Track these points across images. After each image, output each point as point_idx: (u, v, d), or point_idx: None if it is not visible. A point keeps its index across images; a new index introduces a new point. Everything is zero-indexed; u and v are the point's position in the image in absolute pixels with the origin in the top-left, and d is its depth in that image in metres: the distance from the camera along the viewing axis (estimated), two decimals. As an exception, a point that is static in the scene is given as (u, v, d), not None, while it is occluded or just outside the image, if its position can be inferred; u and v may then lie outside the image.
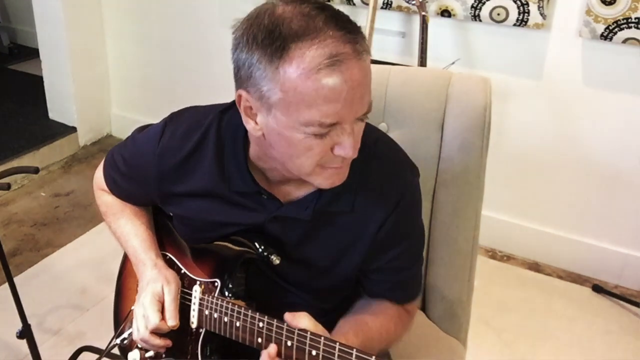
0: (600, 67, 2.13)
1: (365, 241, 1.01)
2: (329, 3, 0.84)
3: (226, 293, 1.03)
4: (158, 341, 1.03)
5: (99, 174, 1.20)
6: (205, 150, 1.01)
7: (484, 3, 2.18)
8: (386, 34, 2.41)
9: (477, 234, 1.31)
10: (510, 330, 2.10)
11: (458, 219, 1.29)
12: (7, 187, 1.53)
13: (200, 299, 1.04)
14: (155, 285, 1.05)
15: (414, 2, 2.22)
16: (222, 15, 2.81)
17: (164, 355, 1.09)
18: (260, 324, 0.94)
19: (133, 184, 1.12)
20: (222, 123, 1.01)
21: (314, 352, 0.87)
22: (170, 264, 1.12)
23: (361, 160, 0.93)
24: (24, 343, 1.65)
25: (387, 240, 1.01)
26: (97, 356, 1.70)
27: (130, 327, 1.13)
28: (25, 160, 2.91)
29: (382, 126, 1.28)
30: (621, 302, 2.23)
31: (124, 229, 1.15)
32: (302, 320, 0.89)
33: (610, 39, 2.03)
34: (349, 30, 0.80)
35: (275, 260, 0.99)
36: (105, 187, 1.18)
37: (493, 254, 2.51)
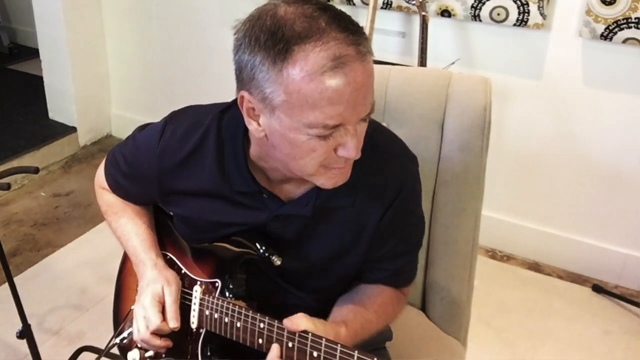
0: (600, 67, 2.13)
1: (367, 234, 1.01)
2: (330, 3, 0.84)
3: (227, 293, 1.03)
4: (158, 342, 1.03)
5: (100, 173, 1.20)
6: (206, 149, 1.01)
7: (484, 3, 2.18)
8: (386, 34, 2.41)
9: (477, 234, 1.31)
10: (510, 330, 2.10)
11: (458, 219, 1.29)
12: (7, 187, 1.53)
13: (201, 299, 1.04)
14: (156, 286, 1.05)
15: (414, 2, 2.22)
16: (222, 16, 2.81)
17: (163, 355, 1.09)
18: (261, 325, 0.94)
19: (134, 183, 1.12)
20: (222, 123, 1.01)
21: (315, 354, 0.87)
22: (170, 264, 1.12)
23: (361, 153, 0.94)
24: (24, 343, 1.65)
25: (387, 231, 1.02)
26: (97, 356, 1.70)
27: (130, 326, 1.13)
28: (25, 160, 2.91)
29: (382, 126, 1.28)
30: (621, 302, 2.23)
31: (125, 228, 1.15)
32: (300, 322, 0.89)
33: (610, 39, 2.03)
34: (352, 32, 0.80)
35: (277, 261, 0.99)
36: (107, 186, 1.18)
37: (493, 254, 2.51)
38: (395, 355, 1.20)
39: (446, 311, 1.35)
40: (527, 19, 2.14)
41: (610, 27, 2.01)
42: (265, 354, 0.94)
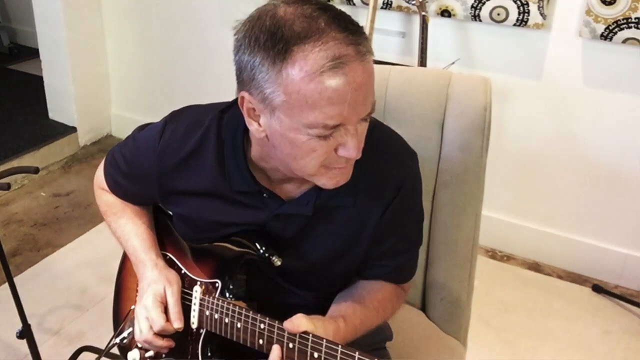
0: (600, 67, 2.13)
1: (368, 232, 1.01)
2: (330, 3, 0.84)
3: (227, 294, 1.03)
4: (161, 342, 1.03)
5: (99, 173, 1.20)
6: (206, 149, 1.01)
7: (484, 3, 2.18)
8: (386, 34, 2.41)
9: (477, 234, 1.31)
10: (510, 330, 2.10)
11: (458, 219, 1.29)
12: (7, 187, 1.53)
13: (201, 300, 1.04)
14: (157, 287, 1.05)
15: (414, 2, 2.22)
16: (222, 16, 2.81)
17: (164, 355, 1.09)
18: (262, 326, 0.94)
19: (133, 183, 1.12)
20: (222, 122, 1.01)
21: (315, 355, 0.87)
22: (170, 264, 1.12)
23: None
24: (24, 343, 1.65)
25: (388, 229, 1.02)
26: (97, 356, 1.70)
27: (130, 326, 1.13)
28: (25, 160, 2.91)
29: (382, 126, 1.28)
30: (621, 302, 2.23)
31: (124, 229, 1.15)
32: (301, 323, 0.89)
33: (610, 39, 2.03)
34: (352, 32, 0.80)
35: (277, 261, 0.99)
36: (106, 187, 1.18)
37: (493, 254, 2.51)
38: (395, 355, 1.20)
39: (446, 311, 1.35)
40: (527, 19, 2.14)
41: (610, 27, 2.01)
42: (265, 355, 0.94)
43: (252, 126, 0.89)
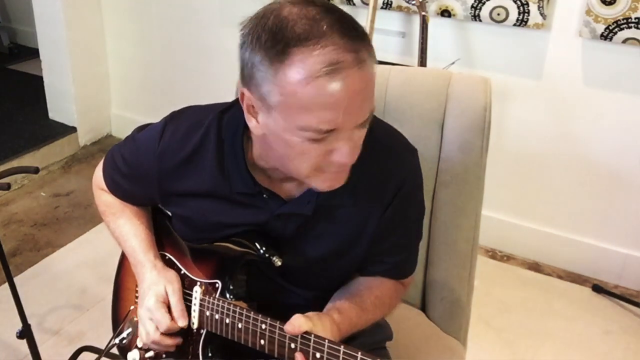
0: (600, 67, 2.13)
1: (369, 231, 1.01)
2: (336, 6, 0.83)
3: (227, 295, 1.02)
4: (170, 341, 1.04)
5: (98, 174, 1.19)
6: (206, 150, 1.01)
7: (484, 3, 2.18)
8: (386, 34, 2.41)
9: (477, 234, 1.31)
10: (510, 330, 2.10)
11: (458, 219, 1.29)
12: (7, 187, 1.53)
13: (201, 300, 1.04)
14: (158, 288, 1.05)
15: (414, 2, 2.22)
16: (222, 15, 2.81)
17: (164, 356, 1.09)
18: (263, 326, 0.94)
19: (133, 184, 1.12)
20: (223, 123, 1.01)
21: (318, 355, 0.87)
22: (169, 264, 1.12)
23: (361, 148, 0.94)
24: (24, 343, 1.65)
25: (388, 226, 1.02)
26: (97, 356, 1.70)
27: (129, 326, 1.13)
28: (25, 160, 2.91)
29: (382, 126, 1.28)
30: (621, 302, 2.23)
31: (123, 229, 1.15)
32: (301, 323, 0.89)
33: (610, 39, 2.03)
34: (353, 37, 0.79)
35: (277, 261, 0.99)
36: (105, 187, 1.18)
37: (493, 254, 2.51)
38: (395, 355, 1.20)
39: (446, 311, 1.35)
40: (527, 19, 2.14)
41: (610, 27, 2.01)
42: (267, 355, 0.94)
43: (251, 123, 0.89)
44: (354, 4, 2.40)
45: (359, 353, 0.83)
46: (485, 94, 1.24)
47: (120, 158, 1.12)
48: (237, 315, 0.97)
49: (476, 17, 2.22)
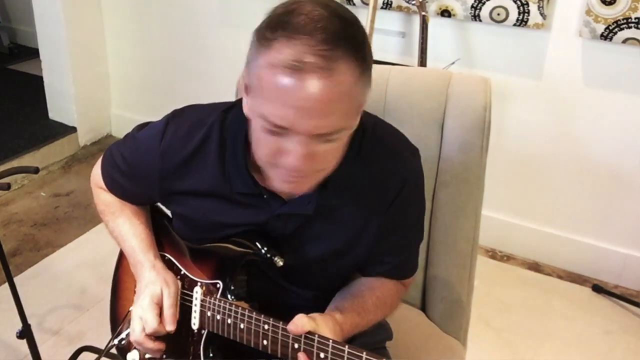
0: (600, 67, 2.13)
1: (370, 231, 1.01)
2: (352, 16, 0.83)
3: (228, 295, 1.02)
4: (152, 345, 1.03)
5: (96, 172, 1.18)
6: (208, 149, 1.01)
7: (484, 3, 2.18)
8: (386, 34, 2.41)
9: (477, 234, 1.31)
10: (510, 330, 2.10)
11: (458, 219, 1.29)
12: (7, 187, 1.53)
13: (202, 301, 1.04)
14: (155, 288, 1.04)
15: (414, 2, 2.22)
16: (222, 15, 2.81)
17: (164, 356, 1.08)
18: (266, 326, 0.93)
19: (133, 183, 1.11)
20: (225, 122, 1.01)
21: (322, 355, 0.87)
22: (169, 264, 1.12)
23: (362, 148, 0.94)
24: (24, 343, 1.65)
25: (390, 227, 1.02)
26: (96, 356, 1.70)
27: (129, 327, 1.13)
28: (25, 160, 2.91)
29: (382, 126, 1.28)
30: (621, 302, 2.23)
31: (122, 229, 1.14)
32: (304, 323, 0.89)
33: (610, 39, 2.03)
34: (335, 47, 0.77)
35: (279, 261, 0.99)
36: (103, 185, 1.17)
37: (493, 254, 2.51)
38: (395, 355, 1.20)
39: (446, 311, 1.35)
40: (527, 19, 2.14)
41: (610, 27, 2.01)
42: (269, 355, 0.94)
43: (244, 102, 0.91)
44: (354, 4, 2.40)
45: (364, 353, 0.83)
46: (485, 94, 1.24)
47: (119, 156, 1.11)
48: (239, 316, 0.97)
49: (476, 17, 2.22)
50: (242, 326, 0.97)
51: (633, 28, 1.98)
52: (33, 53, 3.66)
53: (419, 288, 1.37)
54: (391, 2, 2.33)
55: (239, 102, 0.97)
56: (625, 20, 1.98)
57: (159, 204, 1.20)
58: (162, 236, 1.17)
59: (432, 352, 1.30)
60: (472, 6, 2.20)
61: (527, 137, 2.33)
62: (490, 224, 2.30)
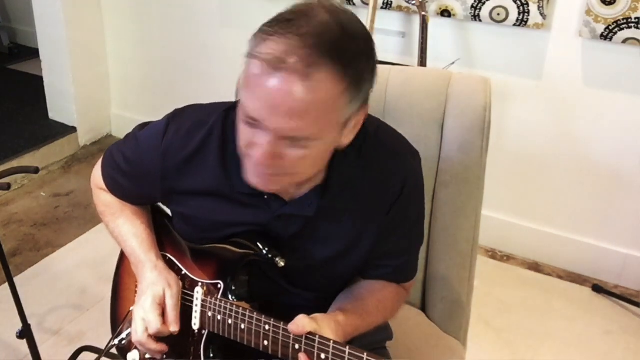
0: (600, 67, 2.13)
1: (370, 233, 1.02)
2: (357, 27, 0.83)
3: (229, 295, 1.02)
4: (155, 346, 1.02)
5: (97, 173, 1.18)
6: (210, 149, 1.01)
7: (484, 3, 2.18)
8: (386, 34, 2.41)
9: (477, 234, 1.31)
10: (510, 330, 2.10)
11: (458, 219, 1.29)
12: (7, 187, 1.53)
13: (203, 301, 1.04)
14: (157, 289, 1.04)
15: (414, 2, 2.22)
16: (222, 15, 2.81)
17: (164, 356, 1.08)
18: (267, 327, 0.93)
19: (134, 183, 1.11)
20: (227, 122, 1.00)
21: (323, 356, 0.87)
22: (170, 264, 1.12)
23: (363, 150, 0.93)
24: (24, 343, 1.65)
25: (390, 228, 1.02)
26: (97, 356, 1.70)
27: (129, 327, 1.13)
28: (25, 160, 2.91)
29: (382, 126, 1.28)
30: (621, 302, 2.23)
31: (123, 229, 1.14)
32: (305, 323, 0.89)
33: (610, 39, 2.03)
34: (321, 56, 0.77)
35: (280, 262, 0.99)
36: (104, 186, 1.16)
37: (493, 254, 2.51)
38: (395, 355, 1.20)
39: (446, 311, 1.35)
40: (527, 19, 2.14)
41: (610, 27, 2.01)
42: (270, 356, 0.94)
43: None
44: (354, 4, 2.40)
45: (365, 354, 0.83)
46: (485, 94, 1.24)
47: (120, 156, 1.11)
48: (240, 316, 0.97)
49: (476, 17, 2.22)
50: (242, 327, 0.97)
51: (633, 28, 1.98)
52: (33, 53, 3.66)
53: (419, 288, 1.37)
54: (391, 2, 2.33)
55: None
56: (625, 20, 1.98)
57: (159, 203, 1.20)
58: (163, 236, 1.17)
59: (432, 352, 1.30)
60: (472, 6, 2.20)
61: (527, 137, 2.33)
62: (490, 224, 2.30)
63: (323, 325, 0.91)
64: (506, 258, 2.50)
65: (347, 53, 0.80)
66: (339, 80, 0.80)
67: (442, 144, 1.26)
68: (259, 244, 1.00)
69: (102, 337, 1.92)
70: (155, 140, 1.04)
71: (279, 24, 0.80)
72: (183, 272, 1.10)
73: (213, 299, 1.02)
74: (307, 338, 0.88)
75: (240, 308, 0.97)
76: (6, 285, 1.58)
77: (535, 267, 2.45)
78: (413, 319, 1.36)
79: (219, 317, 1.00)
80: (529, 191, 2.42)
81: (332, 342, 0.86)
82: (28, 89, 3.60)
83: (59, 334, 2.02)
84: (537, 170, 2.37)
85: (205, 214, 1.04)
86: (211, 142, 1.00)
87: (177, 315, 1.03)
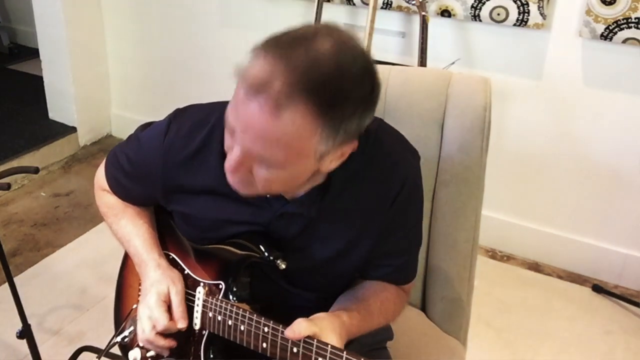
0: (600, 67, 2.13)
1: (371, 232, 1.02)
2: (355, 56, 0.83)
3: (230, 296, 1.02)
4: (163, 342, 1.03)
5: (100, 174, 1.19)
6: (211, 148, 1.01)
7: (484, 3, 2.18)
8: (386, 34, 2.41)
9: (477, 234, 1.31)
10: (510, 330, 2.11)
11: (458, 219, 1.29)
12: (7, 187, 1.53)
13: (204, 301, 1.04)
14: (161, 286, 1.04)
15: (414, 2, 2.22)
16: (221, 16, 2.81)
17: (165, 355, 1.09)
18: (265, 329, 0.93)
19: (136, 183, 1.12)
20: None
21: None
22: (173, 264, 1.12)
23: (364, 149, 0.94)
24: (24, 343, 1.65)
25: (390, 228, 1.02)
26: (96, 356, 1.70)
27: (131, 325, 1.13)
28: (25, 160, 2.91)
29: (382, 126, 1.28)
30: (621, 302, 2.23)
31: (125, 230, 1.14)
32: (301, 328, 0.89)
33: (610, 39, 2.03)
34: (298, 94, 0.76)
35: (282, 265, 0.99)
36: (107, 187, 1.17)
37: (493, 254, 2.51)
38: (395, 355, 1.21)
39: (446, 311, 1.35)
40: (527, 19, 2.14)
41: (610, 27, 2.01)
42: (269, 358, 0.94)
43: None
44: (354, 4, 2.40)
45: (362, 359, 0.83)
46: (485, 94, 1.24)
47: (124, 157, 1.11)
48: (239, 318, 0.97)
49: (476, 17, 2.22)
50: (242, 328, 0.97)
51: (633, 28, 1.98)
52: (33, 53, 3.66)
53: (419, 288, 1.37)
54: (391, 2, 2.33)
55: None
56: (625, 20, 1.98)
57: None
58: (166, 235, 1.17)
59: (432, 352, 1.30)
60: (472, 6, 2.20)
61: (527, 137, 2.33)
62: (490, 224, 2.30)
63: (325, 326, 0.91)
64: (506, 258, 2.50)
65: (332, 94, 0.79)
66: (312, 119, 0.78)
67: (442, 144, 1.26)
68: (260, 246, 1.00)
69: (102, 337, 1.92)
70: (157, 140, 1.04)
71: (278, 45, 0.79)
72: (186, 272, 1.10)
73: (214, 299, 1.02)
74: (305, 342, 0.88)
75: (241, 309, 0.97)
76: (6, 285, 1.58)
77: (535, 267, 2.45)
78: (413, 319, 1.36)
79: (220, 318, 1.01)
80: (529, 191, 2.42)
81: (329, 346, 0.86)
82: (28, 89, 3.61)
83: (59, 334, 2.02)
84: (537, 170, 2.37)
85: (205, 212, 1.04)
86: (212, 141, 1.01)
87: (183, 311, 1.03)
